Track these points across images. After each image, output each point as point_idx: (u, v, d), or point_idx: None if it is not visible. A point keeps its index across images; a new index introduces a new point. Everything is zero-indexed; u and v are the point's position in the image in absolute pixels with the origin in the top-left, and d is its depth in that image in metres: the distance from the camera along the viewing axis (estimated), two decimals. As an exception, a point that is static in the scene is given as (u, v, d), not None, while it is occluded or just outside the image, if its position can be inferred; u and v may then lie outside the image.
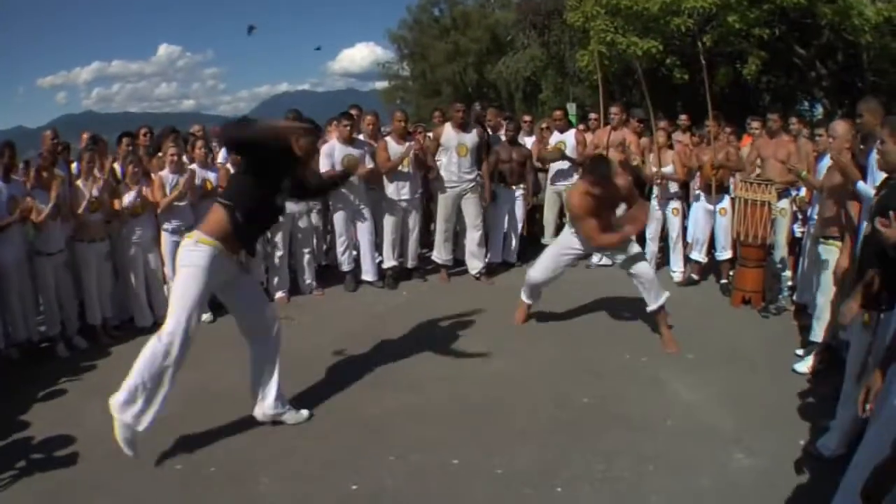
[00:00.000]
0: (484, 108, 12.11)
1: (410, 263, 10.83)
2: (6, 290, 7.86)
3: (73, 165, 9.00)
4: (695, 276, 10.02)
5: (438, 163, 10.61)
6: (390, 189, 10.19)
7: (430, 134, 11.24)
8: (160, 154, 9.30)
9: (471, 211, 10.36)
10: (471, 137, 10.31)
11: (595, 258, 10.85)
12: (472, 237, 10.47)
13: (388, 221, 10.29)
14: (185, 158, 9.21)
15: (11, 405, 6.86)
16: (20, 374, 7.74)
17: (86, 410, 6.67)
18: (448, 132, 10.33)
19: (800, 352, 7.15)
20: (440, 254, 10.71)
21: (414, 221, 10.51)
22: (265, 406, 6.06)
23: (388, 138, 10.30)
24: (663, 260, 10.53)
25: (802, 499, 4.71)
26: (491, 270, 10.75)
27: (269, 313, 6.16)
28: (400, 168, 10.06)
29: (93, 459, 5.77)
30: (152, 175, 8.95)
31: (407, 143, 10.12)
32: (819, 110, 22.39)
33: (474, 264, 10.54)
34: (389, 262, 10.46)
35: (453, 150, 10.27)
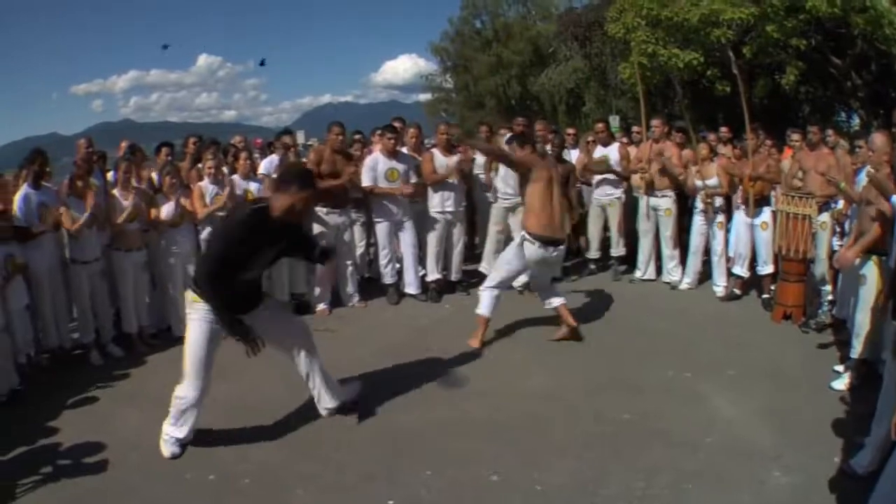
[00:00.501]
0: (531, 121, 12.01)
1: (454, 276, 10.77)
2: (38, 297, 7.91)
3: (110, 174, 9.00)
4: (737, 291, 9.85)
5: (492, 174, 10.62)
6: (434, 201, 10.17)
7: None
8: (199, 165, 9.30)
9: (519, 224, 10.21)
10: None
11: (638, 273, 10.81)
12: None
13: (432, 234, 10.26)
14: (224, 169, 9.23)
15: (41, 411, 6.90)
16: (51, 380, 7.79)
17: (117, 418, 6.74)
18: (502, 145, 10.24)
19: (838, 368, 7.03)
20: (490, 265, 10.56)
21: (458, 234, 10.47)
22: (324, 404, 6.23)
23: (434, 150, 10.30)
24: (706, 274, 10.38)
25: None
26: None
27: (300, 331, 6.24)
28: (448, 181, 10.05)
29: (123, 467, 5.78)
30: (191, 185, 8.97)
31: (454, 157, 10.10)
32: (856, 121, 22.28)
33: (518, 278, 10.40)
34: (433, 275, 10.41)
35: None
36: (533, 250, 7.96)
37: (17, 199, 7.76)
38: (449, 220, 10.27)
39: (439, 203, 10.15)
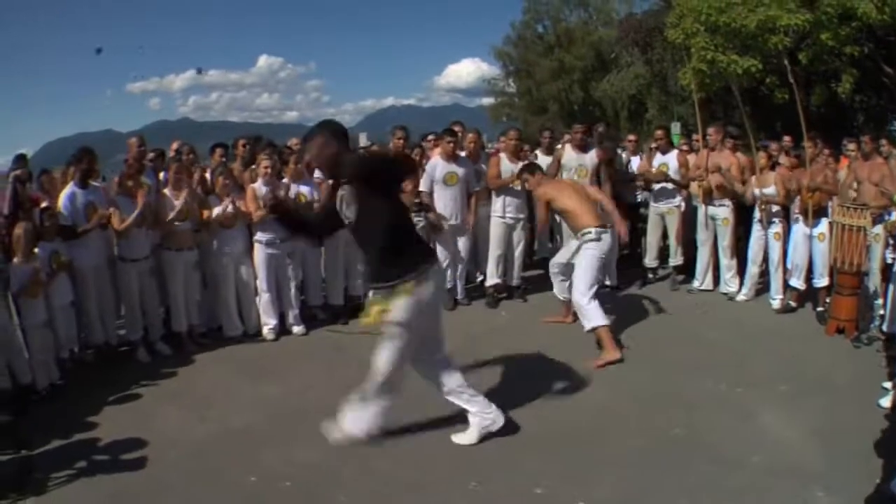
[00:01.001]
0: (590, 127, 11.94)
1: (514, 281, 10.73)
2: (83, 294, 8.03)
3: (161, 174, 9.12)
4: (793, 304, 9.69)
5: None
6: (497, 206, 10.19)
7: (537, 153, 11.36)
8: (254, 166, 9.35)
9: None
10: (590, 158, 10.35)
11: (696, 283, 10.74)
12: None
13: (493, 239, 10.25)
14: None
15: (82, 406, 7.01)
16: (95, 376, 7.91)
17: (159, 415, 6.82)
18: (569, 153, 10.38)
19: (887, 384, 6.87)
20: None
21: (518, 239, 10.42)
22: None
23: (501, 154, 10.34)
24: (764, 286, 10.23)
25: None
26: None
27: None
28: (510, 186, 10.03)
29: (162, 464, 5.83)
30: (245, 187, 9.02)
31: (520, 162, 10.06)
32: (908, 131, 22.07)
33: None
34: (492, 279, 10.40)
35: (574, 171, 10.29)
36: (604, 240, 8.10)
37: (63, 197, 7.90)
38: (510, 225, 10.25)
39: (501, 208, 10.17)
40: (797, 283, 9.54)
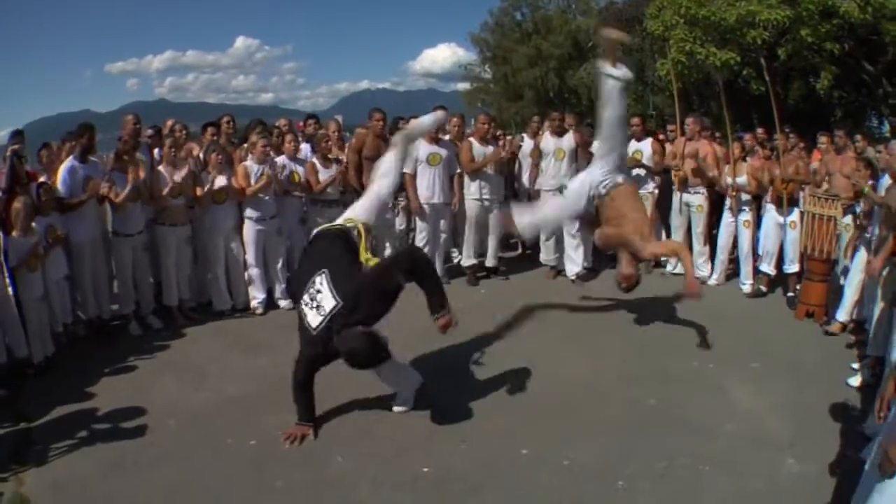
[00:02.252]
0: (564, 115, 12.11)
1: (491, 262, 11.01)
2: (78, 268, 8.15)
3: (156, 151, 9.25)
4: (763, 288, 9.99)
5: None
6: (472, 189, 10.45)
7: (524, 136, 11.70)
8: (245, 145, 9.53)
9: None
10: (567, 142, 10.62)
11: (669, 267, 11.01)
12: (570, 241, 10.61)
13: (469, 219, 10.53)
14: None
15: (79, 378, 7.14)
16: (90, 349, 8.04)
17: (155, 386, 6.99)
18: (546, 138, 10.72)
19: (855, 365, 7.17)
20: (547, 255, 11.10)
21: (495, 220, 10.53)
22: None
23: (472, 139, 10.57)
24: (734, 271, 10.55)
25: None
26: (583, 275, 10.70)
27: None
28: (484, 169, 10.35)
29: (161, 432, 6.01)
30: (236, 165, 9.18)
31: (490, 146, 10.44)
32: (886, 127, 22.30)
33: (570, 267, 10.67)
34: (468, 260, 10.72)
35: (552, 154, 10.62)
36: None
37: (62, 171, 8.00)
38: (486, 207, 10.49)
39: (477, 190, 10.43)
40: (768, 268, 9.85)
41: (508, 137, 12.01)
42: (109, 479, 5.27)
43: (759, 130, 11.73)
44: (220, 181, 8.81)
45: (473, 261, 10.72)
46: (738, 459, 5.45)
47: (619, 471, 5.28)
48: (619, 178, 7.68)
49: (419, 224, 10.23)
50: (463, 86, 49.49)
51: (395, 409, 6.31)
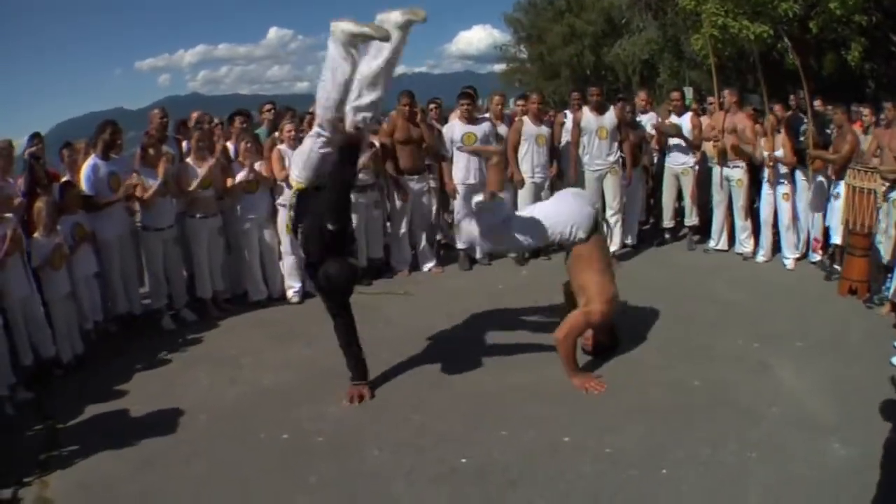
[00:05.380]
0: (603, 91, 11.94)
1: None
2: (107, 265, 8.08)
3: (184, 144, 9.19)
4: (836, 266, 9.51)
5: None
6: (525, 166, 10.31)
7: (567, 113, 11.34)
8: (276, 133, 9.42)
9: (610, 191, 10.34)
10: (609, 119, 10.30)
11: (712, 243, 10.85)
12: (609, 219, 10.43)
13: (523, 198, 10.34)
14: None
15: (111, 375, 7.09)
16: (122, 346, 7.98)
17: (188, 380, 6.93)
18: (587, 116, 10.35)
19: (897, 344, 7.01)
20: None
21: (546, 198, 10.29)
22: None
23: (525, 118, 10.44)
24: (777, 245, 10.29)
25: (891, 490, 4.65)
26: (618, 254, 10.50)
27: None
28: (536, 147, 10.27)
29: (192, 428, 5.96)
30: (266, 153, 9.11)
31: (545, 128, 10.42)
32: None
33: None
34: None
35: (594, 132, 10.29)
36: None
37: (86, 168, 7.92)
38: (538, 184, 10.42)
39: (529, 168, 10.31)
40: (838, 238, 9.39)
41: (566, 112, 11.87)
42: (137, 479, 5.23)
43: (792, 98, 11.51)
44: (241, 175, 8.75)
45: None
46: (783, 444, 5.31)
47: (663, 457, 5.15)
48: (583, 234, 6.82)
49: (456, 206, 10.06)
50: (499, 67, 49.46)
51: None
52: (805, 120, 9.70)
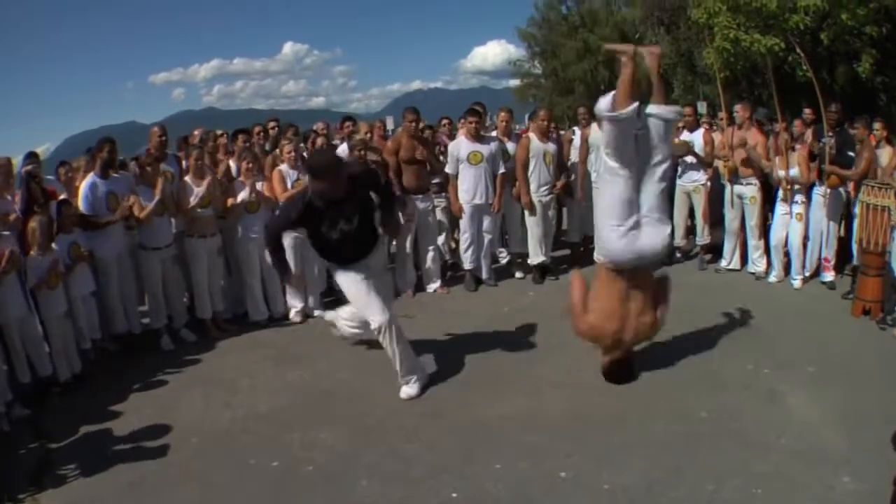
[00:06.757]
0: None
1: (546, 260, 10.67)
2: (105, 284, 8.01)
3: (184, 163, 9.09)
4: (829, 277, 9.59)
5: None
6: (532, 185, 10.12)
7: (575, 129, 11.36)
8: (277, 151, 9.36)
9: None
10: None
11: (724, 262, 10.69)
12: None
13: (532, 218, 10.21)
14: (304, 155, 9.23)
15: (106, 395, 7.06)
16: (119, 365, 7.93)
17: (182, 402, 6.88)
18: (596, 132, 10.12)
19: (913, 366, 6.82)
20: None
21: (553, 216, 10.51)
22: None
23: (531, 134, 10.23)
24: (788, 265, 10.03)
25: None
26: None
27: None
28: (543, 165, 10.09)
29: (183, 451, 5.91)
30: (266, 172, 9.05)
31: (552, 145, 10.21)
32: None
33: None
34: (537, 258, 10.36)
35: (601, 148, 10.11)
36: None
37: (84, 187, 7.85)
38: (545, 204, 10.21)
39: (536, 187, 10.11)
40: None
41: (561, 132, 11.71)
42: (125, 501, 5.22)
43: (807, 111, 11.31)
44: (243, 194, 8.66)
45: (542, 258, 10.38)
46: (792, 478, 5.14)
47: (663, 494, 4.99)
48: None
49: (462, 226, 9.96)
50: (514, 82, 49.69)
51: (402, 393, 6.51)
52: (829, 134, 9.51)
